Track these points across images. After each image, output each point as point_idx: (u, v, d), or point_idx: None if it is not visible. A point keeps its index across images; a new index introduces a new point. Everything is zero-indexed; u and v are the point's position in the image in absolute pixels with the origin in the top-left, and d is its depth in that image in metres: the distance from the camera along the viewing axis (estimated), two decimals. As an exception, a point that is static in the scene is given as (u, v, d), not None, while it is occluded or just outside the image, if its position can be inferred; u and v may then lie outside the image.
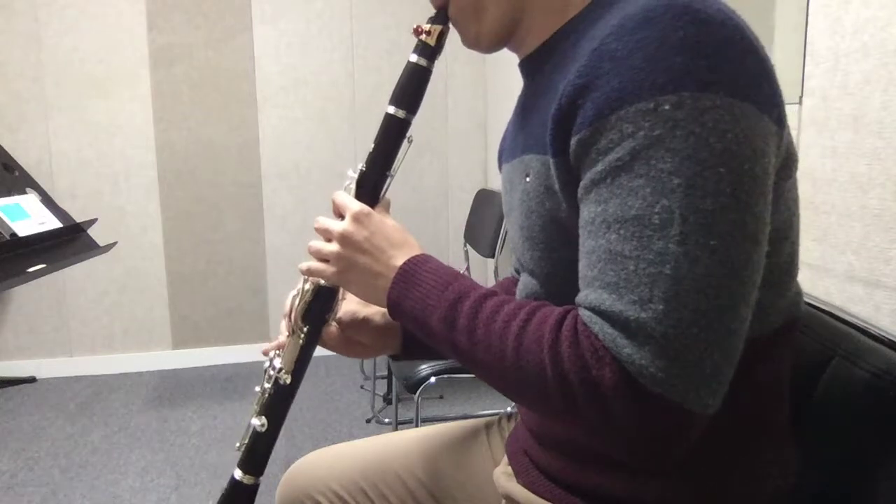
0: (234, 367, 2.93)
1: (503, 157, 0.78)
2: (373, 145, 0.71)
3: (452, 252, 3.13)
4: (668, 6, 0.50)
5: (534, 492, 0.68)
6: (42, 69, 2.69)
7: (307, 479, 0.87)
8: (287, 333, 0.75)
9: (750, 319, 0.50)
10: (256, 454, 0.75)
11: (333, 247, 0.67)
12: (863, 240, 0.89)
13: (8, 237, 1.75)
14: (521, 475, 0.72)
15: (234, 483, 0.75)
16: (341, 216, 0.69)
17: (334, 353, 0.78)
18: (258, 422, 0.74)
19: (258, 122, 2.90)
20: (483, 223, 2.56)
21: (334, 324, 0.79)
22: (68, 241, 1.99)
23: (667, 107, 0.48)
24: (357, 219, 0.67)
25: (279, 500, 0.89)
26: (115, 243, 2.13)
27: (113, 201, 2.81)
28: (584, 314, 0.52)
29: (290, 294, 0.77)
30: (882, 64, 0.84)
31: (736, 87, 0.49)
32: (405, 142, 0.72)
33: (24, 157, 2.60)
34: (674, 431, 0.48)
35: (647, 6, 0.51)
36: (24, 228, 1.82)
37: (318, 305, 0.74)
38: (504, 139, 0.82)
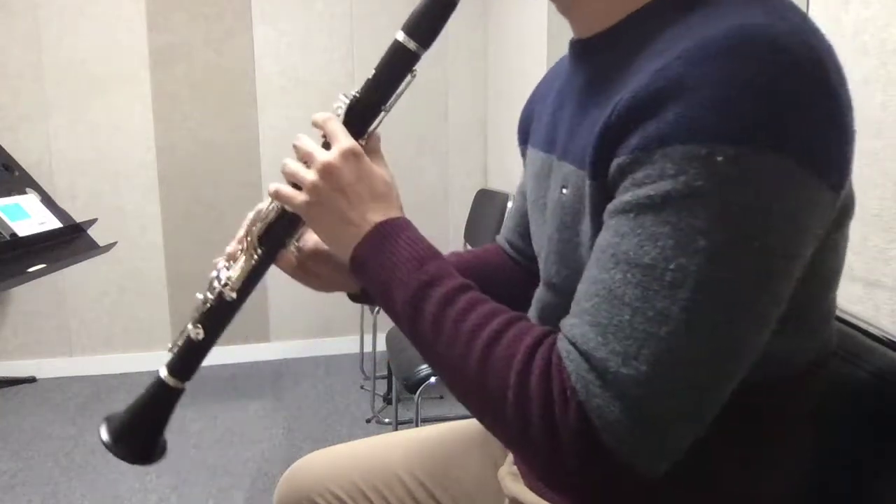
0: (234, 367, 2.93)
1: (532, 140, 0.73)
2: (373, 72, 0.63)
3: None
4: (753, 37, 0.44)
5: (541, 495, 0.67)
6: (42, 69, 2.69)
7: (306, 480, 0.87)
8: (240, 247, 0.71)
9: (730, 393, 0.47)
10: (187, 361, 0.71)
11: (311, 175, 0.61)
12: (862, 240, 0.89)
13: (8, 237, 1.75)
14: (527, 476, 0.71)
15: (159, 382, 0.71)
16: (327, 144, 0.62)
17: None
18: (195, 330, 0.70)
19: (258, 122, 2.90)
20: (483, 223, 2.56)
21: (294, 249, 0.74)
22: (68, 241, 1.99)
23: (720, 158, 0.43)
24: (346, 156, 0.60)
25: (277, 501, 0.88)
26: (115, 243, 2.13)
27: (113, 201, 2.81)
28: (564, 347, 0.49)
29: (255, 208, 0.72)
30: (882, 64, 0.84)
31: (802, 150, 0.44)
32: (409, 76, 0.63)
33: (24, 157, 2.60)
34: (616, 487, 0.47)
35: (730, 32, 0.45)
36: (24, 228, 1.82)
37: (280, 230, 0.68)
38: (530, 111, 0.77)
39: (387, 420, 2.41)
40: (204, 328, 0.70)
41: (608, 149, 0.49)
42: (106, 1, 2.71)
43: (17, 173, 2.07)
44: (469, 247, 2.74)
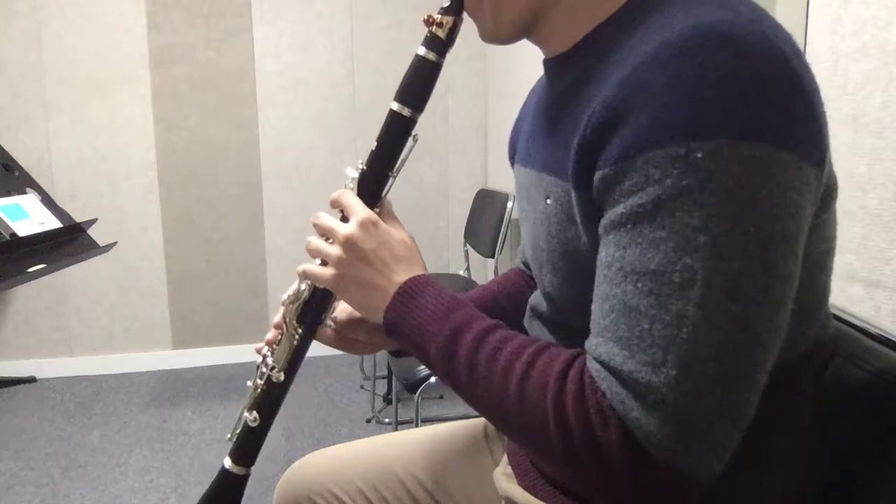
0: (234, 367, 2.93)
1: (517, 158, 0.75)
2: (375, 143, 0.68)
3: (452, 252, 3.13)
4: (708, 35, 0.46)
5: (535, 495, 0.68)
6: (42, 69, 2.69)
7: (306, 480, 0.87)
8: (280, 331, 0.74)
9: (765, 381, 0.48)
10: (248, 446, 0.75)
11: (335, 250, 0.64)
12: (863, 240, 0.88)
13: (8, 237, 1.75)
14: (520, 477, 0.71)
15: (225, 473, 0.75)
16: (344, 217, 0.66)
17: (334, 353, 0.78)
18: (250, 416, 0.74)
19: (258, 122, 2.90)
20: (483, 223, 2.56)
21: (330, 323, 0.78)
22: (68, 241, 1.99)
23: (699, 154, 0.44)
24: (364, 225, 0.64)
25: (277, 501, 0.88)
26: (115, 243, 2.13)
27: (113, 201, 2.81)
28: (593, 367, 0.50)
29: (286, 292, 0.76)
30: (882, 64, 0.84)
31: (777, 133, 0.45)
32: (410, 140, 0.68)
33: (24, 157, 2.60)
34: (676, 495, 0.47)
35: (685, 33, 0.46)
36: (24, 228, 1.82)
37: (315, 307, 0.72)
38: (517, 130, 0.78)
39: (387, 420, 2.40)
40: (259, 413, 0.74)
41: (588, 160, 0.51)
42: (106, 1, 2.71)
43: (17, 173, 2.08)
44: (469, 246, 2.74)
